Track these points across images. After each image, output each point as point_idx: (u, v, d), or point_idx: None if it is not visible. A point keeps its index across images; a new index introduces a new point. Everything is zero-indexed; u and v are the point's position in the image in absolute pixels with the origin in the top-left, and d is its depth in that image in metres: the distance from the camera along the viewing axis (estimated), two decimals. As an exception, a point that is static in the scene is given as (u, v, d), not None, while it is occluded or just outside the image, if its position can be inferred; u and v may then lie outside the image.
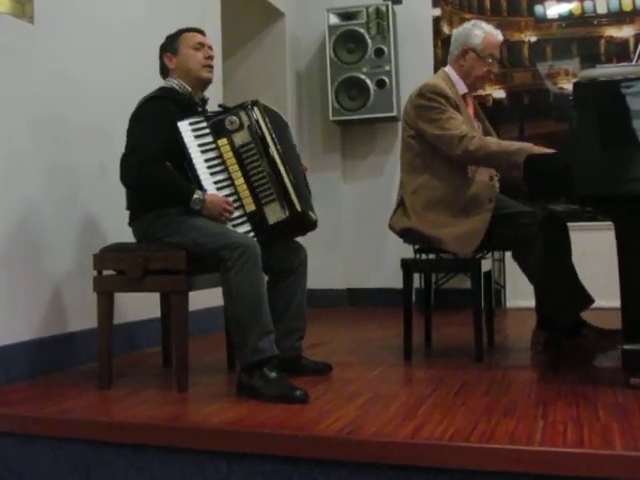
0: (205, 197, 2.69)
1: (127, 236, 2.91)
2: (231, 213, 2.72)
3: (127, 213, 2.90)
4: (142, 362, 3.41)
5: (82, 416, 2.37)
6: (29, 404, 2.53)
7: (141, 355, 3.57)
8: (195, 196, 2.68)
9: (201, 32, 3.02)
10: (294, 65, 5.87)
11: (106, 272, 2.82)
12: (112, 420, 2.33)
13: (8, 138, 2.93)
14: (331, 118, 5.61)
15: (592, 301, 3.06)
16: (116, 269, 2.80)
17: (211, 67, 2.98)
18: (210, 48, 3.00)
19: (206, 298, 3.51)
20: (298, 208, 2.76)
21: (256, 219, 2.73)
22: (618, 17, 5.25)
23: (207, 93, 3.05)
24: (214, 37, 4.32)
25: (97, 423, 2.31)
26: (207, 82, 2.99)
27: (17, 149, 2.98)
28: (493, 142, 3.07)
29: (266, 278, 2.76)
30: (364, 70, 5.51)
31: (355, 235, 5.80)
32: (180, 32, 2.98)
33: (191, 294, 2.75)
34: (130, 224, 2.89)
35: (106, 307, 2.77)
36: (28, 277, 3.01)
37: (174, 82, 2.93)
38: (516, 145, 3.01)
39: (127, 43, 3.67)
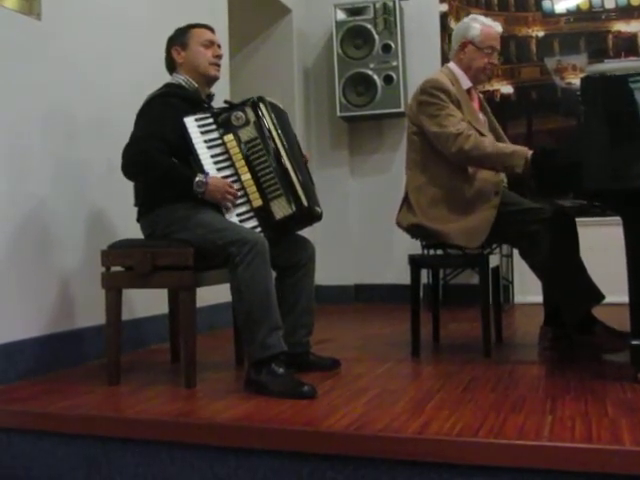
0: (208, 179, 2.69)
1: (135, 232, 2.91)
2: (234, 196, 2.72)
3: (135, 209, 2.91)
4: (150, 358, 3.42)
5: (90, 412, 2.38)
6: (37, 400, 2.54)
7: (149, 351, 3.58)
8: (197, 178, 2.67)
9: (211, 29, 3.01)
10: (301, 61, 5.86)
11: (114, 268, 2.82)
12: (120, 416, 2.34)
13: (16, 134, 2.94)
14: (338, 114, 5.61)
15: (602, 297, 3.02)
16: (124, 265, 2.80)
17: (219, 65, 2.98)
18: (219, 47, 2.99)
19: (214, 294, 3.51)
20: (305, 203, 2.75)
21: (263, 214, 2.73)
22: (626, 12, 5.22)
23: (214, 89, 3.06)
24: (221, 33, 4.31)
25: (105, 419, 2.32)
26: (214, 80, 2.99)
27: (25, 145, 2.99)
28: (489, 143, 3.04)
29: (274, 274, 2.76)
30: (371, 66, 5.50)
31: (363, 231, 5.80)
32: (190, 27, 2.98)
33: (199, 290, 2.75)
34: (138, 220, 2.90)
35: (114, 303, 2.78)
36: (36, 273, 3.02)
37: (181, 78, 2.93)
38: (512, 148, 2.99)
39: (135, 39, 3.67)
